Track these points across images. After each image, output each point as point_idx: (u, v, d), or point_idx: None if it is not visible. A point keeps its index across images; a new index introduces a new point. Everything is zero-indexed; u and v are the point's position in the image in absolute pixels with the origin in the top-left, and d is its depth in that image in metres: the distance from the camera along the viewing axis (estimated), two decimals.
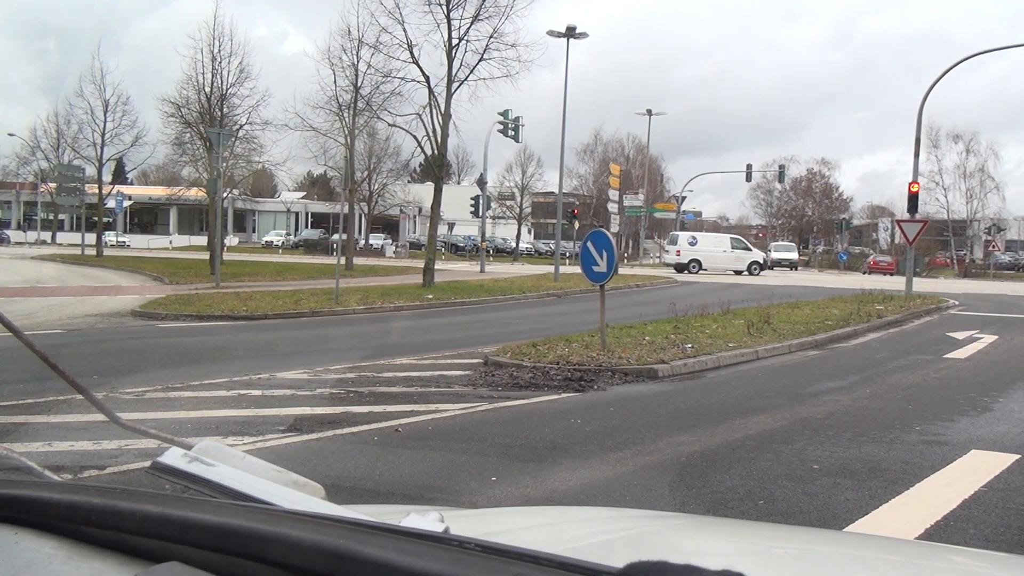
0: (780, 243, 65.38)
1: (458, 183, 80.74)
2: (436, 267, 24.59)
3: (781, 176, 62.15)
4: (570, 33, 30.89)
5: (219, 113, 29.33)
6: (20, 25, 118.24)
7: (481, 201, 35.35)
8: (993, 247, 59.02)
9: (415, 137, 24.59)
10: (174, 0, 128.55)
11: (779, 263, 56.16)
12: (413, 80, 24.53)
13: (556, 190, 37.09)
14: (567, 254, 43.02)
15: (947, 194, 60.42)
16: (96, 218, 39.65)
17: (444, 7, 23.16)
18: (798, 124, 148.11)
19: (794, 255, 59.57)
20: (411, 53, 23.80)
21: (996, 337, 13.94)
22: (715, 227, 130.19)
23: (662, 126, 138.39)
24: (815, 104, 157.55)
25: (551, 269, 30.90)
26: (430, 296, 20.45)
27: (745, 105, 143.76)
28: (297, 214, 73.44)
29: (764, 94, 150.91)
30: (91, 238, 39.48)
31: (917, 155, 23.70)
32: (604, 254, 10.36)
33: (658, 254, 73.78)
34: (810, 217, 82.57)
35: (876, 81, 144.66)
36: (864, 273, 50.39)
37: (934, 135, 58.74)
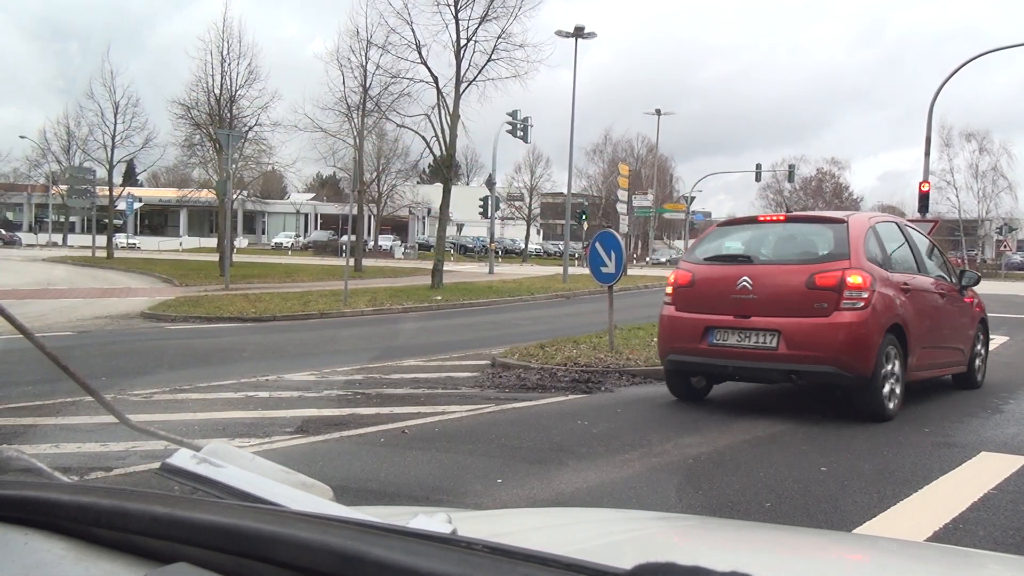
0: None
1: (467, 184, 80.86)
2: (445, 268, 24.62)
3: (791, 176, 61.96)
4: (578, 33, 30.93)
5: (228, 115, 29.43)
6: (40, 27, 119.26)
7: (490, 202, 35.40)
8: (1005, 247, 58.75)
9: (424, 138, 24.70)
10: (197, 1, 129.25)
11: None
12: (422, 81, 24.64)
13: (565, 191, 37.09)
14: (576, 255, 43.01)
15: (959, 193, 60.18)
16: (107, 220, 39.87)
17: (452, 8, 23.23)
18: (820, 122, 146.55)
19: None
20: (419, 54, 23.90)
21: (1007, 338, 13.85)
22: None
23: (680, 125, 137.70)
24: (838, 102, 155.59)
25: (560, 270, 30.89)
26: (439, 297, 20.47)
27: (766, 104, 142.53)
28: (306, 215, 73.68)
29: (786, 92, 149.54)
30: (102, 240, 39.70)
31: (928, 154, 23.65)
32: (613, 255, 10.34)
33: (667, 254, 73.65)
34: None
35: (904, 78, 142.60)
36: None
37: (946, 134, 58.54)
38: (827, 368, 6.73)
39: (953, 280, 8.58)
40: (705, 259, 7.73)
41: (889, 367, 6.91)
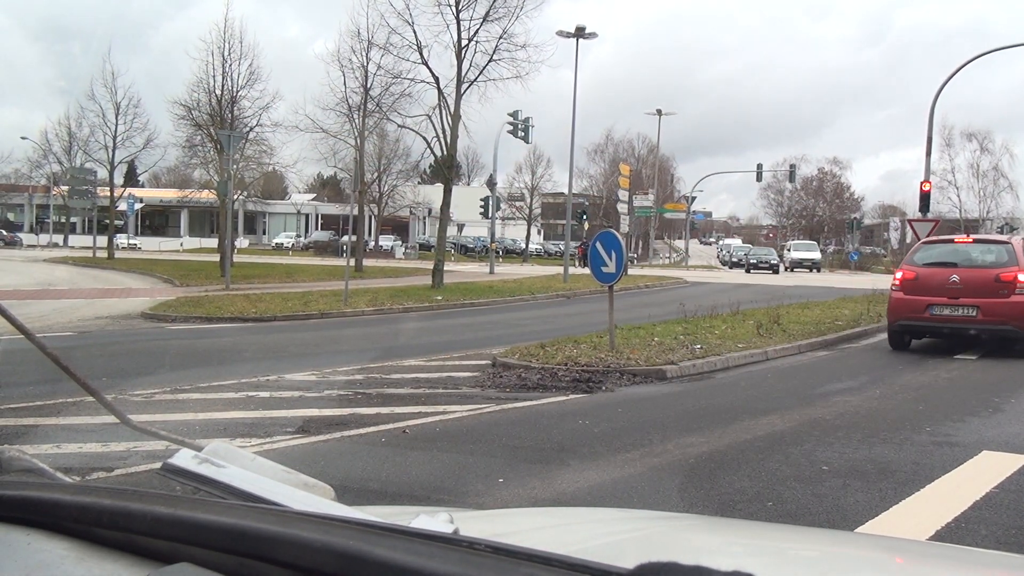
0: (799, 242, 59.03)
1: (468, 184, 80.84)
2: (446, 268, 24.60)
3: (792, 176, 61.80)
4: (580, 34, 30.91)
5: (229, 115, 29.40)
6: (42, 27, 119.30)
7: (491, 202, 35.34)
8: None
9: (425, 138, 24.64)
10: (199, 2, 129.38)
11: (799, 264, 49.24)
12: (423, 81, 24.58)
13: (566, 191, 37.07)
14: (573, 255, 42.96)
15: (960, 193, 60.03)
16: (108, 221, 39.86)
17: (453, 8, 23.20)
18: (822, 122, 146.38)
19: (816, 255, 51.36)
20: (420, 54, 23.84)
21: None
22: (726, 227, 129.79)
23: (681, 125, 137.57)
24: (841, 101, 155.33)
25: (561, 270, 30.89)
26: (439, 297, 20.47)
27: (768, 103, 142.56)
28: (307, 216, 73.63)
29: (788, 92, 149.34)
30: (102, 241, 39.68)
31: (929, 154, 23.63)
32: (613, 255, 10.34)
33: (668, 254, 73.71)
34: (821, 217, 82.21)
35: (906, 77, 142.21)
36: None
37: (947, 134, 58.36)
38: (1008, 328, 10.99)
39: None
40: (924, 264, 11.97)
41: None
